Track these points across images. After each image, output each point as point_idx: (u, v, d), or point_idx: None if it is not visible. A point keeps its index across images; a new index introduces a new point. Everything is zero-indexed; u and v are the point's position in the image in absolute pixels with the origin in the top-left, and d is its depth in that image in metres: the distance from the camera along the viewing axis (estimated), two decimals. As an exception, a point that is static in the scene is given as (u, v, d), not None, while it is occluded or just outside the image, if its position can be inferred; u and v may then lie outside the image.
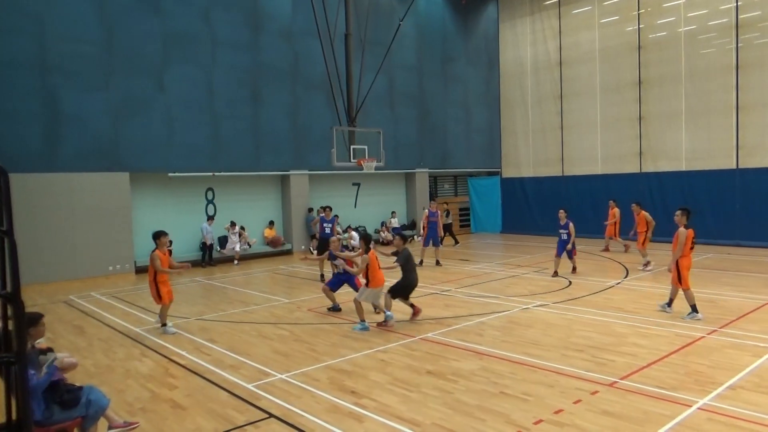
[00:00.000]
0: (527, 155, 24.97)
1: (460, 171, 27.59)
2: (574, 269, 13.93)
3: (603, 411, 5.74)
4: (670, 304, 9.78)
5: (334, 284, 10.90)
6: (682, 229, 9.49)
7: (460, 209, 27.17)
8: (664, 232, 19.69)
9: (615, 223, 17.60)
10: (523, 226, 24.61)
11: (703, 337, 8.26)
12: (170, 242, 17.00)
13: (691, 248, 9.54)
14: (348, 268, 10.30)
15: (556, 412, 5.75)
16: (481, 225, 26.60)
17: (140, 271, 17.00)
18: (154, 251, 9.47)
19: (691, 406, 5.76)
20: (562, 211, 13.85)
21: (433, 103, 25.35)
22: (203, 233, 18.15)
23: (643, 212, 14.48)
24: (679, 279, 9.42)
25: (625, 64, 21.16)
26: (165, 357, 8.27)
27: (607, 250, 17.94)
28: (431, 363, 7.50)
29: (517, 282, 13.48)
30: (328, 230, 14.66)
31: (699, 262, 15.58)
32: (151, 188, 17.81)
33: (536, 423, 5.52)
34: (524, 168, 25.09)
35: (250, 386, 6.86)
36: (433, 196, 25.91)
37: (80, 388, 5.22)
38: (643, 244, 14.45)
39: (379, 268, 9.55)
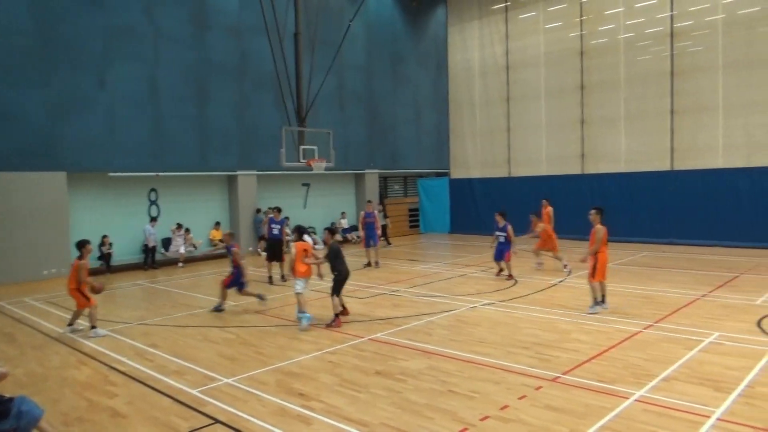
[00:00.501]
0: (475, 156, 25.41)
1: (410, 172, 27.81)
2: (508, 275, 13.58)
3: (546, 405, 5.89)
4: (603, 300, 10.08)
5: (233, 283, 11.14)
6: (598, 226, 9.90)
7: (410, 210, 27.39)
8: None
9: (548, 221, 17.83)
10: (471, 226, 25.00)
11: (640, 331, 8.62)
12: (110, 244, 16.50)
13: (605, 244, 9.96)
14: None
15: (502, 408, 5.86)
16: (430, 225, 26.88)
17: (78, 274, 16.31)
18: (81, 260, 9.46)
19: (628, 398, 5.99)
20: (498, 214, 13.90)
21: (383, 104, 25.45)
22: (146, 235, 17.58)
23: (541, 223, 14.79)
24: (593, 272, 9.81)
25: (569, 69, 21.84)
26: (104, 364, 7.95)
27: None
28: (380, 363, 7.52)
29: (465, 281, 13.69)
30: (276, 231, 14.46)
31: (636, 260, 16.26)
32: (90, 188, 17.10)
33: (482, 419, 5.62)
34: (472, 169, 25.51)
35: (194, 392, 6.68)
36: (382, 198, 26.04)
37: (11, 399, 4.95)
38: (536, 251, 14.93)
39: (302, 260, 9.57)
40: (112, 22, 16.78)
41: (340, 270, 9.71)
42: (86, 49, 16.28)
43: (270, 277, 14.34)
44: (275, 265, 14.48)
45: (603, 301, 10.13)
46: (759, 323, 8.86)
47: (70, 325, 9.82)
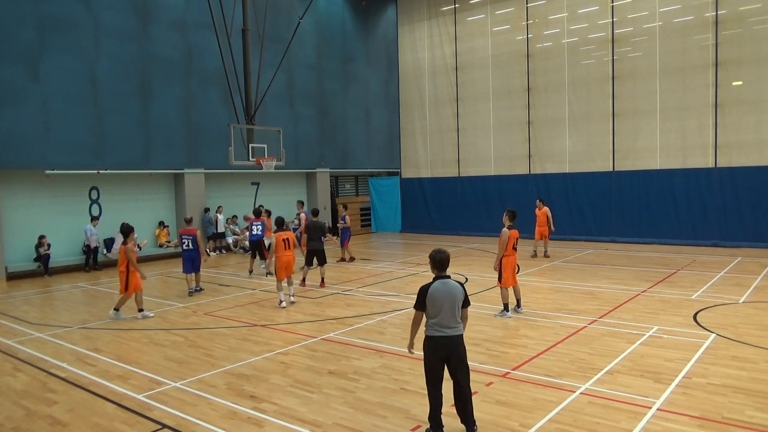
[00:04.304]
0: (425, 156, 25.65)
1: (361, 171, 27.79)
2: (344, 259, 16.69)
3: (497, 401, 6.01)
4: (518, 305, 9.94)
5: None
6: (504, 229, 9.62)
7: (361, 209, 27.40)
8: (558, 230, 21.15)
9: (547, 222, 16.23)
10: (421, 225, 25.24)
11: (585, 327, 8.91)
12: (48, 245, 15.74)
13: (515, 248, 9.69)
14: None
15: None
16: (381, 224, 26.95)
17: (12, 277, 15.52)
18: (127, 245, 10.36)
19: (574, 392, 6.18)
20: (340, 206, 17.27)
21: (334, 102, 25.33)
22: (87, 235, 16.87)
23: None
24: (500, 277, 9.61)
25: (516, 71, 22.34)
26: (42, 370, 7.59)
27: (536, 256, 16.61)
28: (333, 363, 7.48)
29: (417, 280, 13.79)
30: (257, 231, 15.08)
31: (580, 257, 16.80)
32: (24, 187, 16.24)
33: (435, 416, 5.66)
34: (422, 168, 25.75)
35: (140, 397, 6.47)
36: (333, 197, 25.94)
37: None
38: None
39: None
40: (47, 12, 15.93)
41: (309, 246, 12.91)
42: (18, 40, 15.41)
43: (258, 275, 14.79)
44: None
45: (518, 306, 9.93)
46: (695, 317, 9.33)
47: (140, 310, 10.51)
